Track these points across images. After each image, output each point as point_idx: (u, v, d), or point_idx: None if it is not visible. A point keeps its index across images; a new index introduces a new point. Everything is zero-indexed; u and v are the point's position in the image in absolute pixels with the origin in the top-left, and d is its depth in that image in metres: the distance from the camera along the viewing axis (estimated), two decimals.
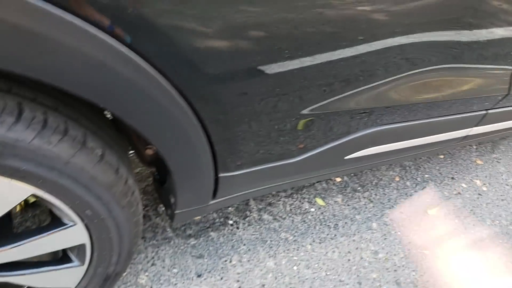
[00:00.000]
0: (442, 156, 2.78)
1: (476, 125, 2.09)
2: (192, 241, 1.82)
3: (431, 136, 1.93)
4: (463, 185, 2.61)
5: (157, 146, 1.11)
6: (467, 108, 1.90)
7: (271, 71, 1.12)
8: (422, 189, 2.53)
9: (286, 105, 1.25)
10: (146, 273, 1.65)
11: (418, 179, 2.59)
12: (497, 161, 2.85)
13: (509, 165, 2.82)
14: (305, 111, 1.32)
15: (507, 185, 2.67)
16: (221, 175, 1.34)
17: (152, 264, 1.70)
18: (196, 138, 1.16)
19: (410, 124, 1.73)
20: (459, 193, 2.55)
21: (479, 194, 2.57)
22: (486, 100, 1.94)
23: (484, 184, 2.65)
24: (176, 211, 1.39)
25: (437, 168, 2.69)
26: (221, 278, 1.68)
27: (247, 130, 1.25)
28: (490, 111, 2.05)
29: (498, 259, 2.20)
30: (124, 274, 1.63)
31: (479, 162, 2.81)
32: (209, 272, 1.68)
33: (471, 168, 2.75)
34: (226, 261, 1.70)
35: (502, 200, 2.57)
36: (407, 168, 2.65)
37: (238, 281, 1.65)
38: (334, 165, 1.70)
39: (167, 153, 1.15)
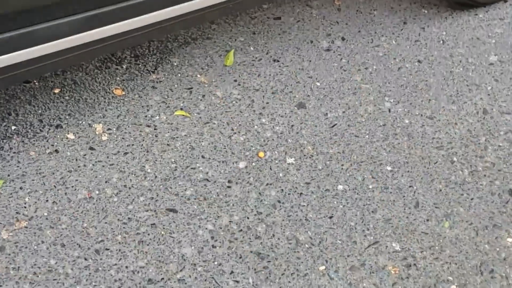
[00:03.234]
0: (57, 91, 1.98)
1: None
2: None
3: None
4: (70, 136, 1.86)
5: None
6: None
7: None
8: None
9: None
10: None
11: None
12: (154, 86, 2.09)
13: (168, 93, 2.07)
14: None
15: (148, 126, 1.95)
16: None
17: None
18: None
19: None
20: (55, 150, 1.81)
21: (91, 149, 1.84)
22: None
23: (109, 129, 1.91)
24: None
25: (40, 111, 1.90)
26: None
27: None
28: None
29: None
30: None
31: (118, 92, 2.04)
32: None
33: (100, 104, 1.98)
34: None
35: (125, 153, 1.86)
36: None
37: None
38: None
39: None
